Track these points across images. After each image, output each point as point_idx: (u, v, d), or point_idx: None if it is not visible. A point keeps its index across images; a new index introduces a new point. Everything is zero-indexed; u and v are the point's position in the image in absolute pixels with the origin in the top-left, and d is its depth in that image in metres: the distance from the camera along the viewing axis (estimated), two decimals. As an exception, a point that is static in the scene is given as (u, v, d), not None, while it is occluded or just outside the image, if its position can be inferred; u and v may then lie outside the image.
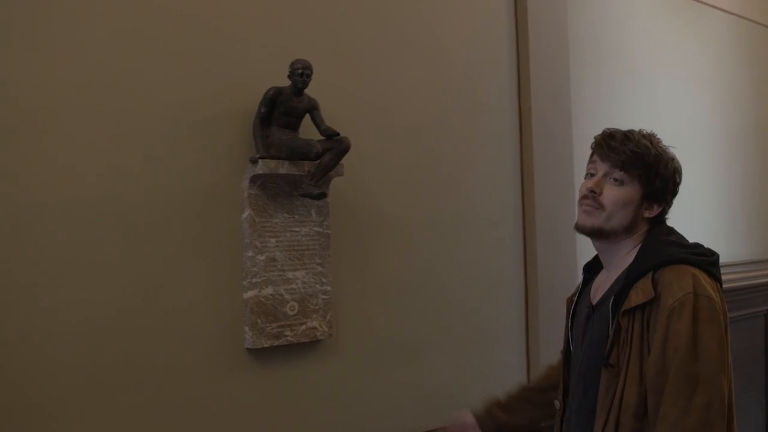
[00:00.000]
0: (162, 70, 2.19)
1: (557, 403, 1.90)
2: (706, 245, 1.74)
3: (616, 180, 1.70)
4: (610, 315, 1.64)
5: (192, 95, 2.25)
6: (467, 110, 3.04)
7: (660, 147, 1.73)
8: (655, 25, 4.17)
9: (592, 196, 1.71)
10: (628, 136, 1.71)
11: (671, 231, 1.76)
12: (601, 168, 1.72)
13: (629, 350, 1.58)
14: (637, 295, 1.58)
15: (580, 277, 1.96)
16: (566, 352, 1.90)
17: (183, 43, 2.24)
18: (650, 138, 1.73)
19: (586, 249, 1.88)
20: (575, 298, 1.91)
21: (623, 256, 1.73)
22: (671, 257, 1.62)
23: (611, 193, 1.69)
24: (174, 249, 2.20)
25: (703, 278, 1.58)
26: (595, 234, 1.74)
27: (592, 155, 1.80)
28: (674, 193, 1.76)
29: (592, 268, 1.90)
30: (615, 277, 1.73)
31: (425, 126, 2.88)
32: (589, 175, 1.78)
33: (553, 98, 3.32)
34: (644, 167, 1.68)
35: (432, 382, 2.84)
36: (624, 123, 1.91)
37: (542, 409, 2.05)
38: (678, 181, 1.75)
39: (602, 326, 1.68)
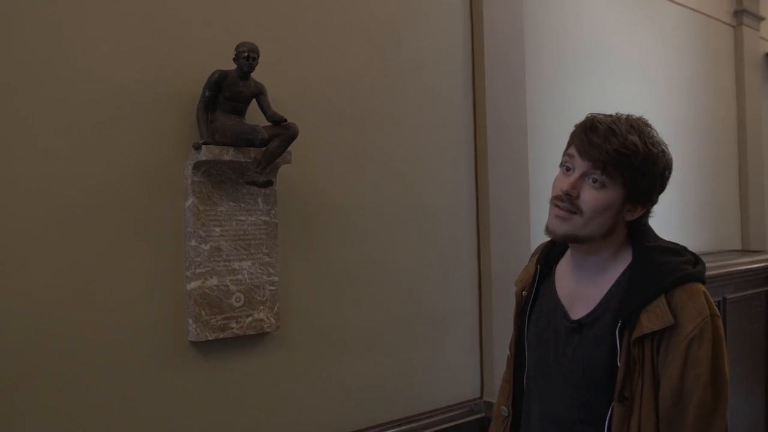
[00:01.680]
0: (100, 50, 2.09)
1: (504, 410, 1.77)
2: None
3: (595, 181, 1.48)
4: (618, 342, 1.49)
5: (132, 77, 2.15)
6: (420, 99, 2.99)
7: (650, 141, 1.50)
8: (610, 16, 4.19)
9: (567, 198, 1.50)
10: (613, 130, 1.46)
11: (651, 233, 1.63)
12: (580, 166, 1.50)
13: (642, 380, 1.47)
14: (650, 321, 1.45)
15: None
16: (517, 354, 1.76)
17: (123, 21, 2.14)
18: (639, 130, 1.49)
19: (540, 240, 1.79)
20: (529, 295, 1.74)
21: (599, 262, 1.58)
22: (681, 275, 1.48)
23: (590, 197, 1.48)
24: (114, 238, 2.11)
25: (708, 293, 1.50)
26: (569, 241, 1.57)
27: (570, 146, 1.55)
28: (662, 190, 1.57)
29: (549, 259, 1.73)
30: (598, 289, 1.58)
31: (376, 114, 2.82)
32: (566, 168, 1.54)
33: (508, 89, 3.29)
34: (630, 169, 1.46)
35: (382, 375, 2.80)
36: (578, 114, 1.64)
37: None
38: (667, 176, 1.54)
39: (600, 350, 1.53)
